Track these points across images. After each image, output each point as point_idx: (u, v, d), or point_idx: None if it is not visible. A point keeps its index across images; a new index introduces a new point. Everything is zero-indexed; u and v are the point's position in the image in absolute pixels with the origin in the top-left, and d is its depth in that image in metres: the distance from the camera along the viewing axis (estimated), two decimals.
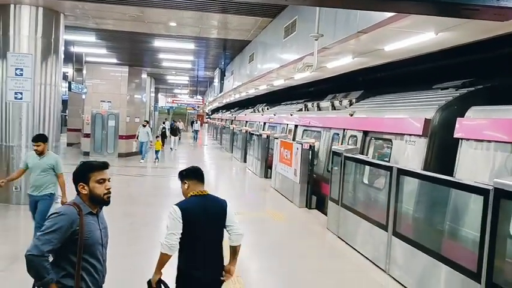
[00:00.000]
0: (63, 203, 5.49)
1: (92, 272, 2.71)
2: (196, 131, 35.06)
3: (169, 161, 19.97)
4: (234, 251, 3.60)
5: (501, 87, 6.54)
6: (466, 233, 4.72)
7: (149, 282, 3.36)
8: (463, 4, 2.36)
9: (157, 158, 18.39)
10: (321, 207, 9.56)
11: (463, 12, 2.50)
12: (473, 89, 6.51)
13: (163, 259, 3.27)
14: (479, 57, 6.98)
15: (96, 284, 2.77)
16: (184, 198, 3.50)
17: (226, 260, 3.58)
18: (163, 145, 25.26)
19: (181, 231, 3.21)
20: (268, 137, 14.69)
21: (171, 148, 23.87)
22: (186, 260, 3.32)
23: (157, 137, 19.82)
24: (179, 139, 26.16)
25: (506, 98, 5.49)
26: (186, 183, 3.51)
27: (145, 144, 18.24)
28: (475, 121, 5.44)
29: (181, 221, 3.21)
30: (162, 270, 3.33)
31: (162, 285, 3.35)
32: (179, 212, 3.23)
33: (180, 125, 33.37)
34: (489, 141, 5.07)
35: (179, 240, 3.22)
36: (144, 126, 18.45)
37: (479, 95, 6.27)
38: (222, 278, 3.47)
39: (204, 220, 3.34)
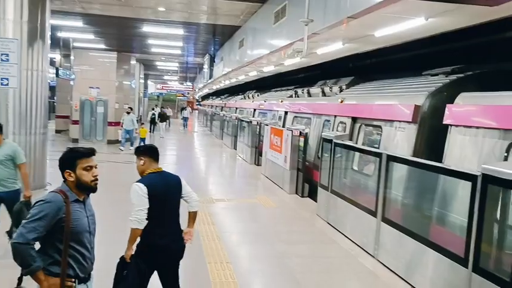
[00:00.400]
0: (26, 197, 5.34)
1: (79, 259, 2.69)
2: (185, 118, 34.15)
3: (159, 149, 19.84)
4: (193, 216, 4.03)
5: (491, 73, 6.56)
6: (454, 219, 4.76)
7: (122, 259, 3.58)
8: None
9: None
10: (314, 195, 9.58)
11: None
12: (462, 75, 6.52)
13: (136, 234, 3.51)
14: (469, 44, 6.98)
15: (85, 271, 2.74)
16: (139, 173, 3.75)
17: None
18: (153, 131, 25.17)
19: (148, 206, 3.46)
20: (258, 123, 14.65)
21: (161, 136, 23.45)
22: (151, 231, 3.54)
23: (142, 123, 19.12)
24: (169, 125, 25.99)
25: (495, 84, 5.50)
26: (142, 159, 3.73)
27: (131, 132, 17.55)
28: (464, 107, 5.45)
29: (147, 197, 3.46)
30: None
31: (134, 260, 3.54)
32: (145, 189, 3.47)
33: (168, 111, 32.87)
34: (478, 127, 5.09)
35: (147, 215, 3.46)
36: (128, 113, 17.59)
37: (468, 82, 6.28)
38: (185, 243, 3.87)
39: (166, 194, 3.66)
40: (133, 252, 3.56)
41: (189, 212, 3.99)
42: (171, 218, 3.78)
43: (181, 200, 3.95)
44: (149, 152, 3.75)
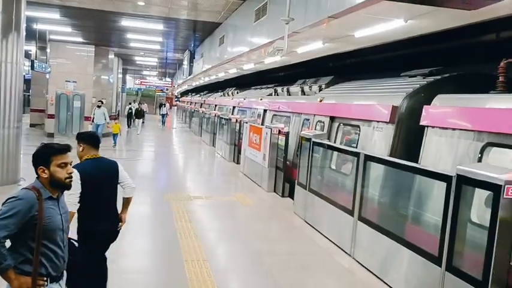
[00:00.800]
0: None
1: (52, 257, 2.62)
2: (164, 115, 33.22)
3: (134, 144, 19.58)
4: (127, 202, 4.21)
5: (467, 76, 6.68)
6: (429, 218, 4.84)
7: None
8: None
9: (114, 142, 16.84)
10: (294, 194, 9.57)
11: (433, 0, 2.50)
12: (440, 77, 6.63)
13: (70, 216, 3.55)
14: (447, 46, 7.10)
15: (57, 269, 2.68)
16: (79, 160, 3.81)
17: None
18: (130, 126, 24.87)
19: (80, 191, 3.53)
20: (237, 121, 14.62)
21: (137, 133, 22.84)
22: (89, 216, 3.69)
23: (114, 119, 18.56)
24: (143, 122, 25.52)
25: (472, 86, 5.61)
26: (81, 145, 3.82)
27: (102, 126, 16.81)
28: (441, 109, 5.54)
29: (79, 182, 3.52)
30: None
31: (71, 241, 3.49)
32: (78, 174, 3.47)
33: (145, 107, 32.03)
34: (453, 129, 5.18)
35: (79, 198, 3.54)
36: (99, 107, 16.94)
37: (445, 84, 6.38)
38: (118, 229, 4.07)
39: (101, 179, 3.79)
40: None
41: (123, 198, 4.18)
42: (108, 203, 3.95)
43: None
44: (89, 139, 3.86)
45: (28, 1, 10.30)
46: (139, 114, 24.17)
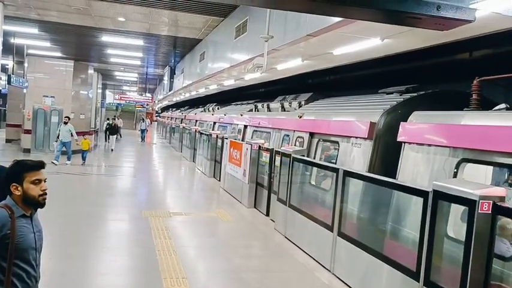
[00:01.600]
0: None
1: (23, 277, 2.54)
2: (143, 130, 32.24)
3: (110, 161, 19.35)
4: None
5: (443, 93, 6.85)
6: (407, 233, 4.90)
7: None
8: (407, 12, 2.43)
9: (83, 159, 15.85)
10: None
11: (407, 20, 2.58)
12: (416, 94, 6.77)
13: None
14: (422, 64, 7.27)
15: None
16: None
17: None
18: (107, 141, 24.53)
19: None
20: (218, 136, 14.61)
21: (111, 149, 21.98)
22: None
23: (91, 134, 17.88)
24: (117, 138, 24.70)
25: (446, 103, 5.74)
26: None
27: (68, 144, 15.73)
28: (417, 125, 5.64)
29: None
30: None
31: None
32: None
33: (119, 122, 31.09)
34: (429, 145, 5.28)
35: None
36: (65, 123, 15.87)
37: (421, 101, 6.53)
38: None
39: None
40: None
41: None
42: None
43: None
44: None
45: (6, 15, 10.21)
46: (113, 129, 23.22)
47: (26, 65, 18.89)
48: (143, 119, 36.19)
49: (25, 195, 2.56)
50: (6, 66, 21.06)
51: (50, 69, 19.16)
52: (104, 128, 23.93)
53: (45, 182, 2.63)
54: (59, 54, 18.21)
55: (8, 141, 22.08)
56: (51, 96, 18.73)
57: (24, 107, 19.10)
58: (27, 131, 18.52)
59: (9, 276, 2.46)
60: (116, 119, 30.41)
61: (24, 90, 18.81)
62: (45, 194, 2.62)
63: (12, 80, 16.49)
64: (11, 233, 2.45)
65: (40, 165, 2.64)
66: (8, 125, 23.16)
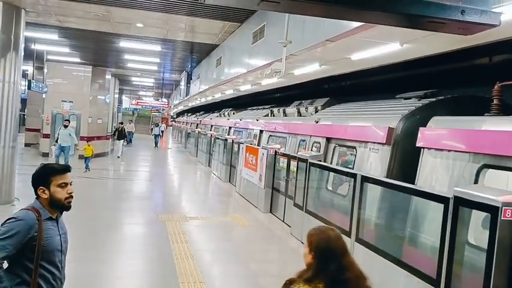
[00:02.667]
0: None
1: (49, 279, 2.59)
2: (157, 136, 30.63)
3: (122, 166, 19.50)
4: None
5: (462, 98, 6.77)
6: (426, 240, 4.84)
7: None
8: (429, 17, 2.41)
9: (86, 167, 14.85)
10: None
11: (429, 25, 2.56)
12: (435, 99, 6.71)
13: None
14: (441, 69, 7.20)
15: None
16: None
17: None
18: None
19: None
20: (233, 141, 14.64)
21: (117, 156, 20.53)
22: None
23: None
24: (125, 143, 23.36)
25: (466, 109, 5.68)
26: None
27: (68, 149, 14.80)
28: (436, 131, 5.59)
29: None
30: None
31: None
32: None
33: (130, 127, 29.86)
34: (449, 150, 5.22)
35: None
36: (65, 126, 14.96)
37: (441, 106, 6.46)
38: None
39: None
40: None
41: None
42: None
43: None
44: None
45: (27, 22, 10.40)
46: (120, 134, 21.22)
47: (45, 70, 19.21)
48: (157, 123, 35.11)
49: (52, 198, 2.61)
50: (27, 72, 21.45)
51: (68, 75, 19.46)
52: (112, 133, 22.99)
53: (71, 185, 2.68)
54: (77, 59, 18.48)
55: (26, 145, 22.43)
56: (70, 101, 19.01)
57: (43, 111, 19.40)
58: (46, 135, 18.81)
59: (35, 278, 2.51)
60: (129, 123, 30.22)
61: (43, 95, 19.13)
62: (71, 197, 2.67)
63: (32, 85, 16.79)
64: (38, 235, 2.50)
65: (66, 168, 2.70)
66: (27, 129, 23.53)
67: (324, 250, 2.19)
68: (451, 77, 7.65)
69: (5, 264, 2.49)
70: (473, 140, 4.88)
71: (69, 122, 15.73)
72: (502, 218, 3.48)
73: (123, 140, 21.37)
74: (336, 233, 2.26)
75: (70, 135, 14.93)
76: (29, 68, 20.18)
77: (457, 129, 5.24)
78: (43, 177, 2.63)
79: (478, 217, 4.05)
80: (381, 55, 6.30)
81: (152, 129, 33.40)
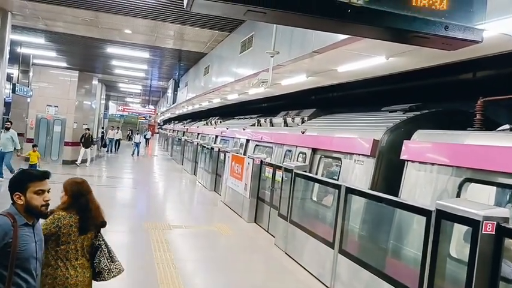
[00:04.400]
0: None
1: (23, 287, 2.52)
2: (138, 144, 27.44)
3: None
4: None
5: (446, 112, 6.87)
6: (409, 252, 4.86)
7: None
8: (414, 32, 2.44)
9: None
10: None
11: (414, 39, 2.59)
12: (419, 113, 6.79)
13: None
14: (426, 83, 7.31)
15: None
16: None
17: None
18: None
19: None
20: (219, 150, 14.61)
21: (87, 166, 18.62)
22: None
23: (34, 146, 14.17)
24: (116, 150, 22.21)
25: (450, 123, 5.75)
26: None
27: (9, 155, 12.98)
28: (420, 144, 5.65)
29: None
30: None
31: None
32: None
33: (117, 134, 27.27)
34: (432, 163, 5.27)
35: None
36: (7, 129, 13.13)
37: (425, 119, 6.53)
38: None
39: None
40: None
41: None
42: None
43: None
44: None
45: (13, 25, 10.31)
46: (87, 141, 18.67)
47: (31, 74, 19.01)
48: (137, 131, 31.42)
49: (27, 204, 2.56)
50: (12, 75, 21.19)
51: (54, 79, 19.27)
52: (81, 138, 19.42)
53: (48, 192, 2.63)
54: (64, 64, 18.35)
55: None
56: (55, 106, 18.81)
57: (28, 116, 19.16)
58: (30, 140, 18.55)
59: (9, 286, 2.44)
60: (115, 129, 28.42)
61: (28, 99, 18.91)
62: (48, 204, 2.62)
63: (16, 88, 16.59)
64: (13, 242, 2.45)
65: (45, 175, 2.64)
66: None
67: (75, 191, 3.28)
68: (435, 91, 7.77)
69: None
70: (456, 154, 4.94)
71: (11, 123, 13.87)
72: (482, 232, 3.51)
73: (90, 148, 19.01)
74: (83, 180, 3.42)
75: (12, 139, 13.01)
76: (14, 72, 19.94)
77: (441, 143, 5.30)
78: (20, 182, 2.59)
79: (459, 230, 4.09)
80: (367, 68, 6.37)
81: (129, 135, 29.89)
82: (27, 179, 2.59)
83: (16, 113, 22.68)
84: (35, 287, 2.63)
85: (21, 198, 2.56)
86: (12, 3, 9.16)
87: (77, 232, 3.14)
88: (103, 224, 3.37)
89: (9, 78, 21.16)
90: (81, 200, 3.22)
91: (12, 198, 2.59)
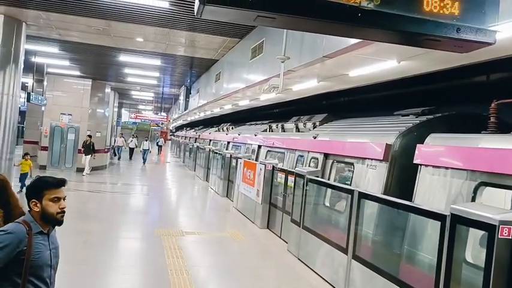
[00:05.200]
0: None
1: None
2: (146, 151, 26.21)
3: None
4: None
5: (459, 116, 6.79)
6: (423, 257, 4.80)
7: None
8: (426, 34, 2.42)
9: (22, 186, 11.76)
10: None
11: (425, 42, 2.57)
12: (432, 116, 6.73)
13: None
14: (439, 87, 7.24)
15: None
16: None
17: None
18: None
19: None
20: (231, 156, 14.62)
21: (82, 174, 17.87)
22: None
23: (25, 154, 13.46)
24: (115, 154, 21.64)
25: (463, 126, 5.69)
26: None
27: None
28: (434, 148, 5.59)
29: None
30: None
31: None
32: None
33: (122, 140, 26.17)
34: (446, 167, 5.21)
35: None
36: None
37: (438, 123, 6.48)
38: None
39: None
40: None
41: None
42: None
43: None
44: None
45: (28, 35, 10.47)
46: (88, 148, 18.06)
47: (45, 83, 19.27)
48: (146, 137, 29.36)
49: (43, 212, 2.57)
50: (26, 84, 21.51)
51: (68, 88, 19.53)
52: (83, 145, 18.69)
53: (64, 200, 2.65)
54: (77, 73, 18.55)
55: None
56: (69, 114, 19.04)
57: (42, 124, 19.41)
58: (44, 148, 18.79)
59: None
60: (131, 138, 27.56)
61: (43, 108, 19.16)
62: (64, 212, 2.63)
63: (31, 97, 16.82)
64: (27, 250, 2.46)
65: (61, 183, 2.65)
66: (25, 141, 23.51)
67: None
68: (448, 94, 7.69)
69: None
70: (470, 158, 4.88)
71: None
72: (499, 236, 3.46)
73: (91, 155, 18.22)
74: (3, 176, 3.35)
75: None
76: (29, 81, 20.23)
77: (455, 147, 5.24)
78: (36, 190, 2.60)
79: (475, 235, 4.03)
80: (378, 72, 6.33)
81: (142, 143, 26.85)
82: (43, 187, 2.61)
83: (31, 122, 23.04)
84: None
85: (38, 205, 2.57)
86: (27, 13, 9.30)
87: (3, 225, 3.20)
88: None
89: (24, 87, 21.50)
90: (3, 195, 3.24)
91: (29, 206, 2.61)
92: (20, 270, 2.45)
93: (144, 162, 26.11)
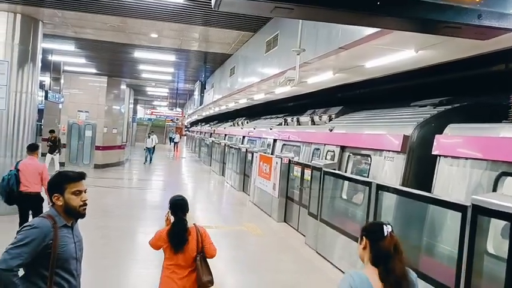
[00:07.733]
0: None
1: (65, 286, 2.59)
2: (150, 149, 23.67)
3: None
4: None
5: (478, 105, 6.68)
6: (443, 249, 4.75)
7: None
8: (445, 22, 2.37)
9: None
10: None
11: (445, 30, 2.51)
12: (450, 107, 6.63)
13: None
14: (457, 76, 7.12)
15: None
16: None
17: None
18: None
19: None
20: (247, 150, 14.64)
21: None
22: None
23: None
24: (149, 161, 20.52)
25: (481, 116, 5.60)
26: None
27: None
28: (452, 138, 5.51)
29: None
30: None
31: None
32: None
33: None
34: (466, 158, 5.14)
35: None
36: None
37: (456, 113, 6.38)
38: None
39: None
40: None
41: None
42: None
43: None
44: None
45: (44, 33, 10.59)
46: (54, 146, 16.01)
47: (62, 81, 19.51)
48: (149, 133, 26.18)
49: (66, 205, 2.63)
50: (44, 83, 21.80)
51: (84, 85, 19.75)
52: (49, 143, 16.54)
53: (85, 192, 2.70)
54: (93, 70, 18.72)
55: (43, 154, 22.62)
56: (86, 111, 19.26)
57: (59, 121, 19.68)
58: (62, 145, 19.04)
59: (51, 285, 2.51)
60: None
61: (60, 106, 19.41)
62: (86, 204, 2.69)
63: (49, 95, 17.06)
64: (53, 243, 2.52)
65: (80, 176, 2.72)
66: (43, 139, 23.82)
67: None
68: (466, 84, 7.56)
69: (21, 272, 2.50)
70: (491, 148, 4.80)
71: None
72: None
73: (55, 154, 16.01)
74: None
75: None
76: (46, 79, 20.51)
77: (475, 137, 5.16)
78: (58, 184, 2.66)
79: (497, 226, 3.97)
80: (395, 62, 6.25)
81: (145, 140, 24.10)
82: (64, 181, 2.67)
83: (49, 119, 23.32)
84: (75, 285, 2.70)
85: (60, 199, 2.63)
86: (44, 12, 9.40)
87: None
88: None
89: (41, 85, 21.80)
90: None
91: (51, 200, 2.67)
92: (47, 264, 2.51)
93: (149, 162, 23.61)
